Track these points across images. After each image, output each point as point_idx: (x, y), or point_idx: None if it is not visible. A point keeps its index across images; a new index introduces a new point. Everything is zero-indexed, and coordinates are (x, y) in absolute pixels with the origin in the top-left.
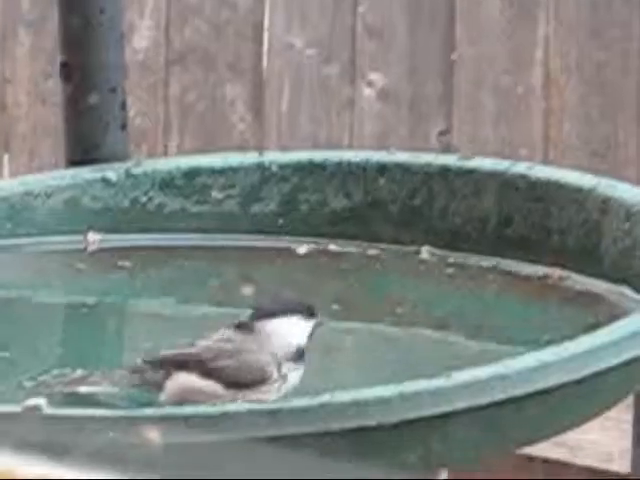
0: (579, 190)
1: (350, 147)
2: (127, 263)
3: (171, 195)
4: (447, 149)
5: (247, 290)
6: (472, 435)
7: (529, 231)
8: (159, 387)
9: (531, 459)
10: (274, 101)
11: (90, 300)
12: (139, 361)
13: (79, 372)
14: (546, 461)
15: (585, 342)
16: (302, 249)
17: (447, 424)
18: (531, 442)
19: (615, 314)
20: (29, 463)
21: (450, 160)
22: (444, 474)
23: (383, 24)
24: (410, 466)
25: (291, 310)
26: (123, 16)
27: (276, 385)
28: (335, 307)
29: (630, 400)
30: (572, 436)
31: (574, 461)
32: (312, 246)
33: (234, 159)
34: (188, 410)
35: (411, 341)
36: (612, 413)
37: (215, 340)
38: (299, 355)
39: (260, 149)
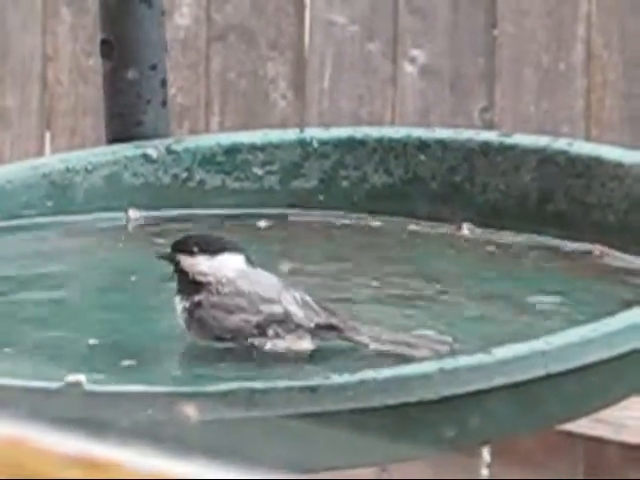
0: (620, 166)
1: (392, 124)
2: (166, 240)
3: (212, 171)
4: (489, 126)
5: (287, 266)
6: (512, 411)
7: (569, 207)
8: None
9: (572, 436)
10: (315, 78)
11: (131, 276)
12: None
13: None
14: (587, 438)
15: (625, 318)
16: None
17: (487, 400)
18: (571, 418)
19: None
20: (69, 439)
21: (491, 136)
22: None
23: (425, 1)
24: (451, 442)
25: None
26: None
27: None
28: (375, 283)
29: None
30: (613, 413)
31: (615, 438)
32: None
33: (275, 135)
34: (225, 387)
35: (451, 317)
36: None
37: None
38: None
39: (301, 126)
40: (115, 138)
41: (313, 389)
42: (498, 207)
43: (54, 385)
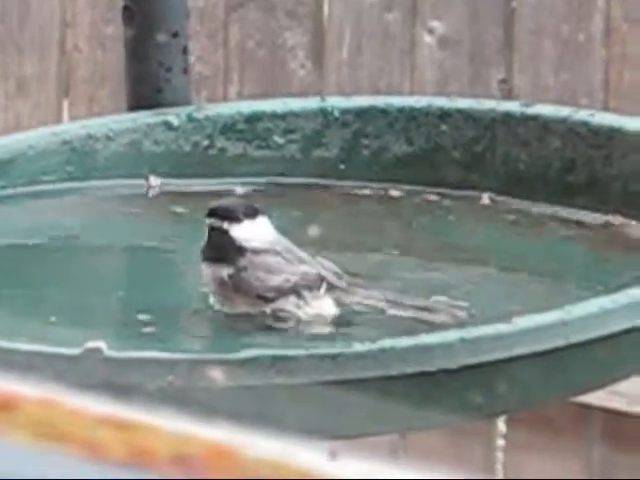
0: None
1: (410, 94)
2: (186, 208)
3: (233, 139)
4: (507, 97)
5: (308, 234)
6: (533, 380)
7: (591, 178)
8: None
9: (590, 408)
10: (334, 48)
11: (150, 242)
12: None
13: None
14: (605, 411)
15: None
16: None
17: (508, 369)
18: (592, 388)
19: None
20: (96, 402)
21: (512, 106)
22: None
23: None
24: (472, 410)
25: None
26: None
27: None
28: (396, 252)
29: None
30: (632, 385)
31: (633, 411)
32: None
33: (296, 104)
34: (246, 354)
35: (472, 286)
36: None
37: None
38: None
39: (320, 96)
40: (136, 105)
41: (334, 357)
42: (519, 177)
43: (74, 351)
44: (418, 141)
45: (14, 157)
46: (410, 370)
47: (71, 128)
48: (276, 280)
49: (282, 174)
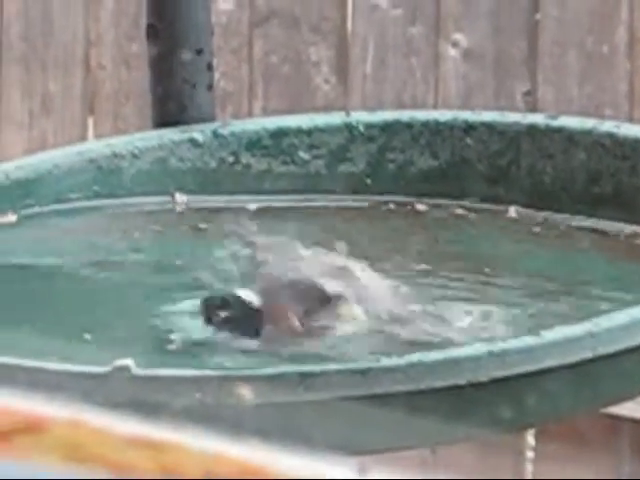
0: None
1: (435, 108)
2: (212, 224)
3: (258, 155)
4: (532, 109)
5: (335, 249)
6: (562, 393)
7: (617, 189)
8: None
9: (619, 419)
10: (358, 62)
11: (176, 259)
12: None
13: None
14: (635, 421)
15: None
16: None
17: (537, 382)
18: (621, 400)
19: None
20: (124, 421)
21: (537, 119)
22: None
23: None
24: (501, 423)
25: None
26: None
27: None
28: (422, 266)
29: None
30: None
31: None
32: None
33: (321, 119)
34: (274, 371)
35: (499, 299)
36: None
37: None
38: None
39: (346, 110)
40: (161, 122)
41: (363, 372)
42: (545, 190)
43: (102, 370)
44: (443, 155)
45: (40, 176)
46: (439, 384)
47: (96, 146)
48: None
49: (307, 190)
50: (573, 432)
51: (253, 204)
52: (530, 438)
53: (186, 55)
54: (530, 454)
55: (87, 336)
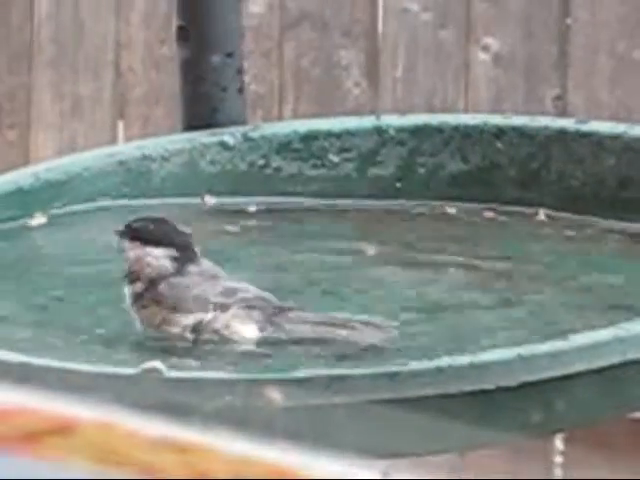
0: None
1: (465, 112)
2: (241, 227)
3: (288, 158)
4: (562, 113)
5: (366, 251)
6: (591, 397)
7: None
8: None
9: None
10: (389, 66)
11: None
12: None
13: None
14: None
15: None
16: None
17: (566, 386)
18: None
19: None
20: (155, 424)
21: (567, 123)
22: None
23: None
24: (529, 428)
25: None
26: None
27: None
28: (452, 269)
29: None
30: None
31: None
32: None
33: (351, 123)
34: (305, 373)
35: (529, 303)
36: None
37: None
38: None
39: (376, 114)
40: (191, 125)
41: (391, 376)
42: (575, 193)
43: (132, 372)
44: (473, 159)
45: (71, 178)
46: (468, 388)
47: (126, 149)
48: (194, 293)
49: (337, 193)
50: (601, 437)
51: (282, 207)
52: (559, 442)
53: (216, 58)
54: (558, 459)
55: (115, 338)
